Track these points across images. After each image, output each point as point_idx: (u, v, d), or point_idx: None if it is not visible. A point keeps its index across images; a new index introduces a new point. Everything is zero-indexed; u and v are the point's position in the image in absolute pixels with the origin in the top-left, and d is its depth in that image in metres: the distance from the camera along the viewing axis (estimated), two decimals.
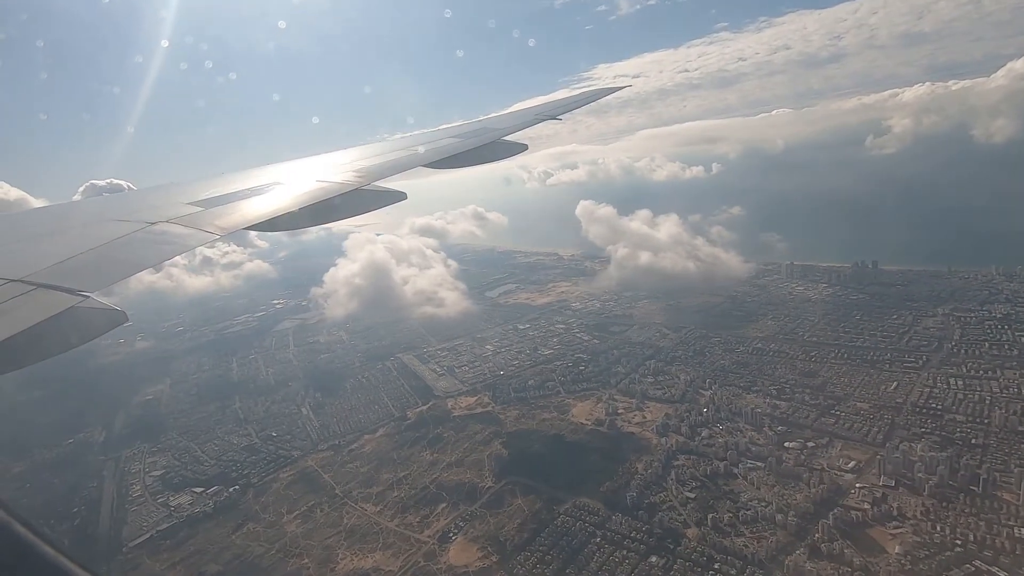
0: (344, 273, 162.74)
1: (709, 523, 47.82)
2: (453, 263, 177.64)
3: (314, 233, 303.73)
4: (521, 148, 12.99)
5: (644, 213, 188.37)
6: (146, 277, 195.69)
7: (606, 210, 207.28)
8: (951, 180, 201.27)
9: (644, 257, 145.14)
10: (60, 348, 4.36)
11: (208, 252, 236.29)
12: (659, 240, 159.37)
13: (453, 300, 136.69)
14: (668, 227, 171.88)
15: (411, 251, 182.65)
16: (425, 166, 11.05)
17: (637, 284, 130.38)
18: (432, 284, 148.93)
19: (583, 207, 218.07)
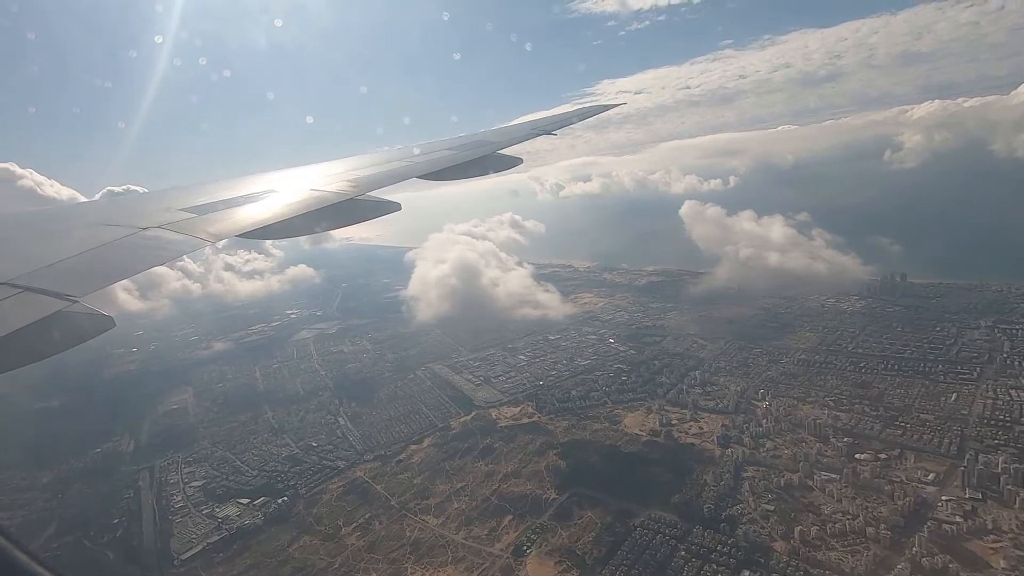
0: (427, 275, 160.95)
1: (797, 536, 46.30)
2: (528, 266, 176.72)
3: (338, 242, 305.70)
4: (516, 162, 12.86)
5: (748, 213, 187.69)
6: (175, 283, 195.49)
7: (714, 210, 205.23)
8: (973, 194, 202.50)
9: (772, 258, 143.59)
10: (46, 353, 4.28)
11: (229, 259, 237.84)
12: (776, 241, 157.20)
13: (481, 310, 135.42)
14: (777, 228, 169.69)
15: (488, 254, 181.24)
16: (419, 178, 10.97)
17: (754, 284, 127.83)
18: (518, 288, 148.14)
19: (689, 207, 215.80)
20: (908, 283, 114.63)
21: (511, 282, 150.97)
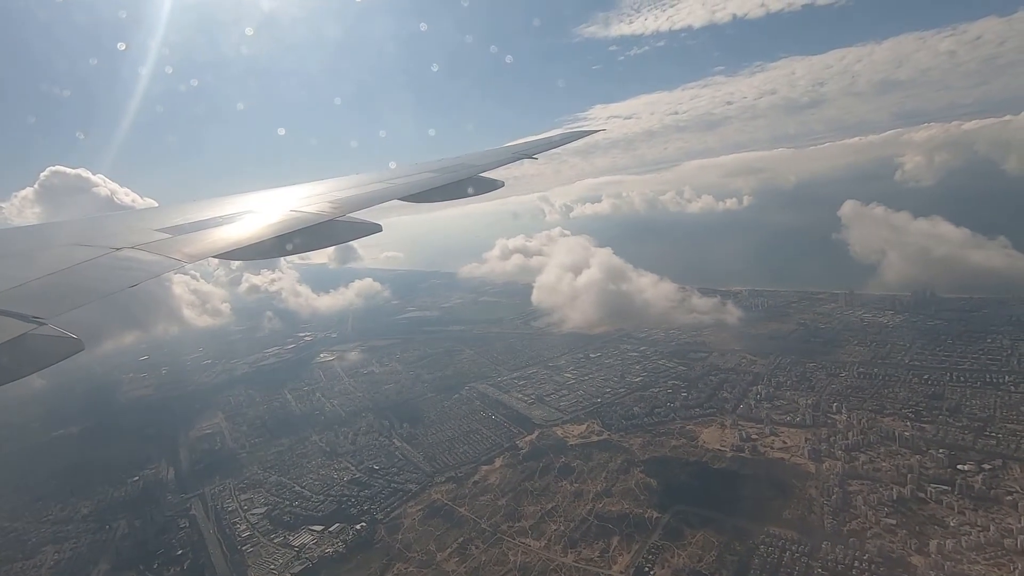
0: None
1: (934, 550, 44.79)
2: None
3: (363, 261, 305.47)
4: (497, 185, 13.14)
5: (903, 215, 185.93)
6: (185, 307, 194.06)
7: (878, 210, 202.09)
8: (988, 212, 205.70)
9: (975, 256, 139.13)
10: (13, 376, 4.13)
11: (255, 279, 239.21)
12: (952, 240, 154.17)
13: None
14: (944, 230, 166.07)
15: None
16: (400, 200, 11.08)
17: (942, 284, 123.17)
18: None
19: (849, 206, 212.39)
20: (940, 297, 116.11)
21: (658, 291, 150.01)
